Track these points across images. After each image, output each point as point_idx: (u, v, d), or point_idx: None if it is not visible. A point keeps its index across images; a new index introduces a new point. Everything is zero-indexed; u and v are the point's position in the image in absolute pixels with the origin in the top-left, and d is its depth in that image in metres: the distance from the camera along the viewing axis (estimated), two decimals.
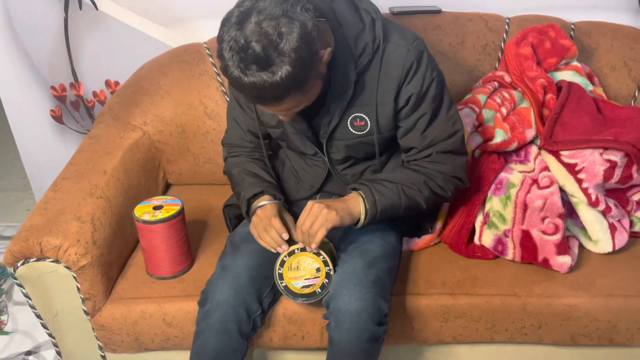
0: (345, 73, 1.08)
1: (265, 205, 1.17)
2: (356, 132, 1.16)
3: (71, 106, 1.86)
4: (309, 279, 1.12)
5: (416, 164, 1.18)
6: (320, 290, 1.13)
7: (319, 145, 1.20)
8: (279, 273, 1.13)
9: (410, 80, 1.11)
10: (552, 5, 1.61)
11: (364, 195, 1.11)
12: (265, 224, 1.13)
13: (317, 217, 1.07)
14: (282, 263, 1.13)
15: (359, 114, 1.14)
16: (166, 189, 1.64)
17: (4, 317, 1.76)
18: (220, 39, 0.94)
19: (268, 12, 0.91)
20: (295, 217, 1.21)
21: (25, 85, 1.81)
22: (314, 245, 1.08)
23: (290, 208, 1.29)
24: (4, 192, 2.42)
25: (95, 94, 1.84)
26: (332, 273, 1.12)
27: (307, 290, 1.13)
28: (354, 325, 1.07)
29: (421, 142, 1.16)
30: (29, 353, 1.64)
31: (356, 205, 1.11)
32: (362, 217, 1.11)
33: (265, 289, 1.17)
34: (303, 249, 1.12)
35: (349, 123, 1.15)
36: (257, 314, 1.15)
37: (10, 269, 1.17)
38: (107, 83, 1.81)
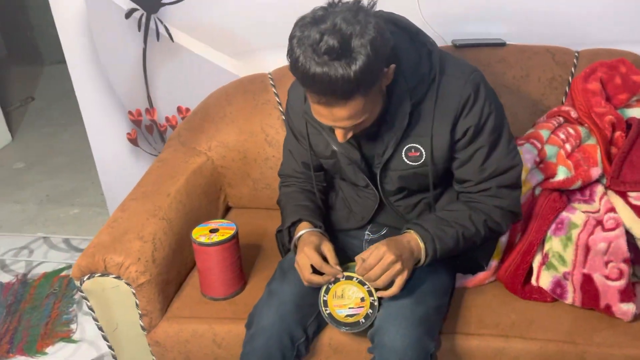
0: (400, 103, 1.09)
1: (302, 235, 1.18)
2: (410, 163, 1.16)
3: (146, 130, 1.98)
4: (353, 307, 1.12)
5: (471, 198, 1.17)
6: (364, 321, 1.12)
7: (371, 177, 1.21)
8: (323, 300, 1.14)
9: (468, 113, 1.10)
10: (624, 39, 1.55)
11: (425, 245, 1.12)
12: (302, 264, 1.13)
13: (387, 271, 1.07)
14: (327, 290, 1.13)
15: (414, 145, 1.14)
16: (226, 211, 1.70)
17: (73, 326, 1.87)
18: (291, 36, 0.95)
19: (343, 16, 0.93)
20: (344, 246, 1.22)
21: (106, 109, 1.96)
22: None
23: (339, 236, 1.31)
24: (82, 207, 2.59)
25: (167, 119, 1.94)
26: (376, 304, 1.11)
27: (350, 320, 1.13)
28: None
29: (478, 175, 1.15)
30: None
31: (419, 255, 1.13)
32: (420, 264, 1.13)
33: (310, 316, 1.18)
34: (349, 277, 1.12)
35: (403, 154, 1.15)
36: (301, 342, 1.16)
37: (77, 282, 1.25)
38: (179, 109, 1.92)
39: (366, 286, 1.11)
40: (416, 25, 1.13)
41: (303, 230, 1.19)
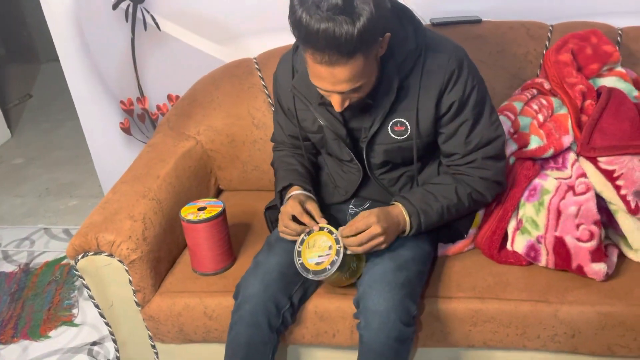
0: (388, 78, 1.13)
1: (292, 197, 1.25)
2: (396, 137, 1.20)
3: (138, 119, 2.03)
4: (322, 255, 1.16)
5: (458, 170, 1.22)
6: (329, 267, 1.15)
7: (355, 152, 1.25)
8: (298, 251, 1.19)
9: (452, 88, 1.15)
10: (598, 11, 1.59)
11: (410, 219, 1.19)
12: (283, 216, 1.22)
13: (370, 241, 1.14)
14: (302, 241, 1.19)
15: (400, 119, 1.18)
16: (218, 193, 1.75)
17: (74, 311, 1.94)
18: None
19: None
20: (329, 220, 1.27)
21: (98, 100, 2.00)
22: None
23: (325, 211, 1.35)
24: (81, 198, 2.65)
25: (158, 108, 1.99)
26: (342, 250, 1.15)
27: (318, 267, 1.16)
28: (382, 325, 1.11)
29: (464, 147, 1.19)
30: (94, 344, 1.80)
31: (404, 227, 1.20)
32: (403, 235, 1.21)
33: (294, 285, 1.23)
34: (321, 228, 1.18)
35: (389, 128, 1.19)
36: (286, 309, 1.21)
37: (72, 262, 1.31)
38: (169, 97, 1.96)
39: (334, 234, 1.17)
40: (402, 2, 1.18)
41: (293, 192, 1.26)
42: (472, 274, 1.29)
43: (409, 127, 1.18)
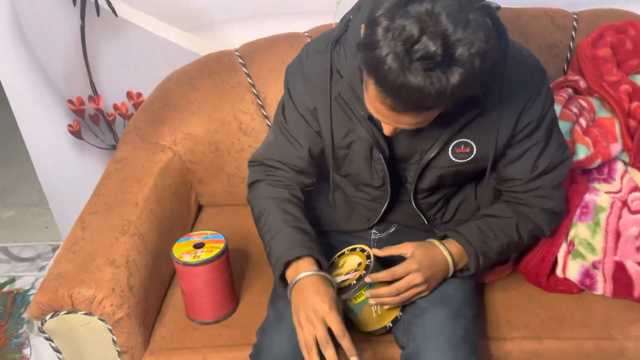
0: (472, 95, 0.90)
1: (309, 278, 0.95)
2: (456, 160, 1.00)
3: (90, 120, 1.72)
4: (349, 273, 1.02)
5: (518, 198, 1.05)
6: (355, 282, 0.98)
7: (392, 175, 1.04)
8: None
9: (532, 105, 0.97)
10: None
11: (468, 260, 1.03)
12: (318, 326, 0.91)
13: (409, 290, 0.98)
14: (330, 263, 1.06)
15: (466, 139, 0.98)
16: (198, 211, 1.50)
17: (25, 351, 1.64)
18: (374, 22, 0.74)
19: (446, 8, 0.72)
20: (344, 244, 1.08)
21: (40, 99, 1.69)
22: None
23: (336, 237, 1.16)
24: (18, 207, 2.29)
25: (116, 107, 1.70)
26: (371, 265, 1.00)
27: (343, 284, 1.00)
28: None
29: (529, 173, 1.02)
30: None
31: (453, 269, 1.02)
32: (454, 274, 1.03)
33: None
34: (352, 250, 1.05)
35: (450, 149, 0.99)
36: None
37: (37, 323, 1.03)
38: (129, 95, 1.67)
39: (366, 252, 1.02)
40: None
41: (310, 271, 0.95)
42: (520, 307, 1.14)
43: (474, 149, 0.98)
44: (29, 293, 1.85)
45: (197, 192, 1.48)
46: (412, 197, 1.07)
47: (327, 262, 1.02)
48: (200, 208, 1.52)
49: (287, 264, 0.98)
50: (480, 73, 0.75)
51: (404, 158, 1.03)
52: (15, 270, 1.95)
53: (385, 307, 1.01)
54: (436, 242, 1.02)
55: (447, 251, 1.01)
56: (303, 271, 0.95)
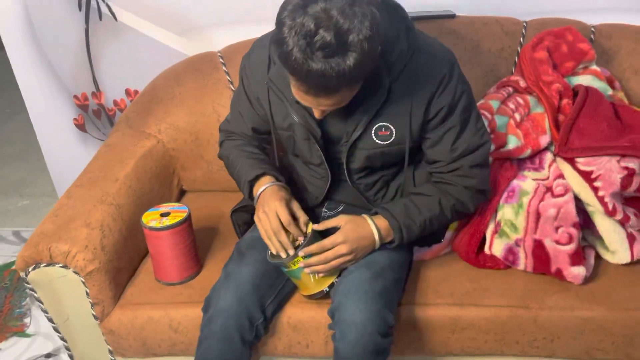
0: (377, 80, 1.06)
1: (268, 188, 1.15)
2: (379, 142, 1.14)
3: (93, 115, 1.91)
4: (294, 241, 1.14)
5: (442, 178, 1.17)
6: (295, 251, 1.11)
7: (326, 156, 1.19)
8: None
9: (442, 92, 1.09)
10: (571, 8, 1.57)
11: (393, 233, 1.14)
12: (271, 217, 1.11)
13: (338, 259, 1.10)
14: None
15: (385, 123, 1.11)
16: (181, 195, 1.66)
17: (26, 320, 1.81)
18: (280, 23, 0.89)
19: (338, 4, 0.87)
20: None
21: (49, 95, 1.87)
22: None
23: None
24: (32, 197, 2.49)
25: (115, 103, 1.88)
26: (308, 236, 1.12)
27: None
28: (359, 337, 1.06)
29: (449, 154, 1.14)
30: (48, 355, 1.68)
31: (381, 241, 1.15)
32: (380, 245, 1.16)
33: (268, 297, 1.17)
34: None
35: (373, 132, 1.13)
36: (260, 322, 1.15)
37: (22, 274, 1.20)
38: (127, 92, 1.85)
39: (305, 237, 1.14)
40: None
41: (268, 183, 1.16)
42: (450, 279, 1.25)
43: (394, 132, 1.12)
44: None
45: (179, 178, 1.64)
46: (347, 176, 1.21)
47: (282, 177, 1.20)
48: (183, 193, 1.68)
49: (251, 184, 1.19)
50: (371, 54, 0.90)
51: (335, 139, 1.18)
52: None
53: (321, 274, 1.14)
54: (366, 217, 1.15)
55: (374, 226, 1.14)
56: (263, 185, 1.17)
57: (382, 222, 1.14)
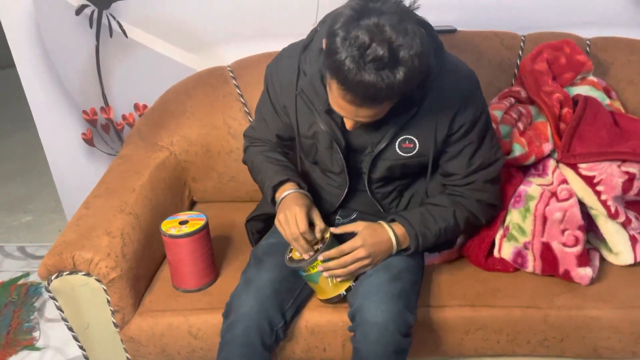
0: (411, 95, 1.09)
1: (290, 194, 1.19)
2: (402, 154, 1.18)
3: (102, 129, 1.94)
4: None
5: (456, 191, 1.22)
6: (312, 255, 1.15)
7: (347, 164, 1.22)
8: (290, 248, 1.20)
9: (466, 109, 1.14)
10: (566, 22, 1.64)
11: (409, 241, 1.18)
12: (290, 221, 1.14)
13: (356, 262, 1.14)
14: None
15: (409, 136, 1.16)
16: (191, 206, 1.69)
17: (35, 334, 1.82)
18: (333, 34, 0.92)
19: (389, 20, 0.90)
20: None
21: (58, 110, 1.90)
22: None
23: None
24: (36, 213, 2.50)
25: (124, 117, 1.91)
26: (326, 241, 1.16)
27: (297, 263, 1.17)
28: (380, 337, 1.09)
29: (465, 169, 1.19)
30: None
31: (398, 248, 1.18)
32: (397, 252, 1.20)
33: (288, 301, 1.20)
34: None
35: (397, 144, 1.17)
36: (280, 326, 1.18)
37: (44, 282, 1.22)
38: (136, 106, 1.88)
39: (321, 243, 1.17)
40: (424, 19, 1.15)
41: (291, 189, 1.20)
42: (461, 282, 1.29)
43: (417, 145, 1.17)
44: (41, 285, 2.03)
45: (190, 189, 1.67)
46: (367, 186, 1.26)
47: (305, 184, 1.23)
48: (193, 204, 1.71)
49: (274, 189, 1.22)
50: (420, 70, 0.95)
51: (359, 149, 1.22)
52: (29, 266, 2.15)
53: (338, 279, 1.18)
54: (384, 224, 1.20)
55: (392, 232, 1.18)
56: (286, 191, 1.20)
57: (399, 228, 1.19)
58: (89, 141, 1.96)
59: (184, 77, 1.73)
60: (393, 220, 1.21)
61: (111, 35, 1.76)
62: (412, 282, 1.18)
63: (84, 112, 1.90)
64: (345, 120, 1.09)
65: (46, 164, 2.01)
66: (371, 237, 1.16)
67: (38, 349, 1.76)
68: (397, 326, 1.08)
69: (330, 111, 1.16)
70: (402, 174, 1.24)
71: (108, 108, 1.89)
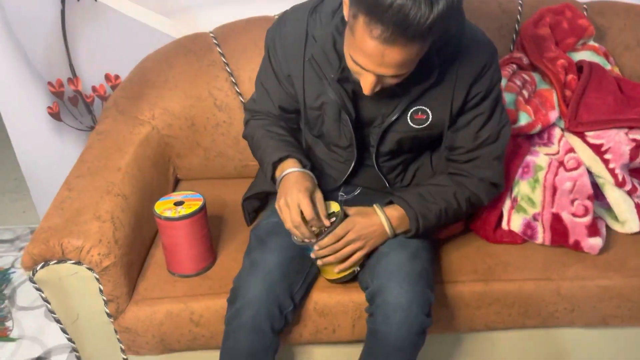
0: (426, 64, 1.02)
1: (292, 174, 1.10)
2: (414, 126, 1.11)
3: (69, 102, 1.79)
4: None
5: (458, 168, 1.16)
6: (307, 241, 1.09)
7: (358, 137, 1.15)
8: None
9: (482, 78, 1.08)
10: None
11: (409, 222, 1.12)
12: (293, 209, 1.06)
13: (347, 247, 1.09)
14: None
15: (422, 107, 1.09)
16: (176, 184, 1.59)
17: (8, 324, 1.70)
18: None
19: None
20: None
21: (21, 81, 1.74)
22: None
23: None
24: None
25: (94, 89, 1.77)
26: (338, 219, 1.10)
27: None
28: (404, 318, 1.04)
29: (471, 142, 1.13)
30: (39, 359, 1.58)
31: (395, 231, 1.12)
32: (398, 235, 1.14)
33: (297, 284, 1.14)
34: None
35: (409, 116, 1.10)
36: (289, 310, 1.11)
37: (28, 273, 1.11)
38: (107, 77, 1.75)
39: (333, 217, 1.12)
40: None
41: (292, 168, 1.11)
42: (470, 256, 1.26)
43: (430, 116, 1.10)
44: (10, 271, 1.90)
45: (174, 166, 1.56)
46: (374, 160, 1.19)
47: (308, 161, 1.14)
48: (177, 182, 1.61)
49: (274, 166, 1.13)
50: (455, 13, 0.86)
51: (368, 122, 1.14)
52: None
53: (342, 265, 1.12)
54: (376, 207, 1.13)
55: (384, 216, 1.11)
56: (286, 169, 1.11)
57: (394, 211, 1.12)
58: (55, 115, 1.81)
59: (159, 45, 1.61)
60: (391, 203, 1.15)
61: None
62: (430, 259, 1.14)
63: (50, 83, 1.75)
64: (363, 81, 0.98)
65: (4, 139, 1.84)
66: (362, 219, 1.11)
67: (13, 339, 1.65)
68: (421, 306, 1.04)
69: (342, 80, 1.08)
70: (411, 147, 1.18)
71: (76, 79, 1.75)
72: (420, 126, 1.12)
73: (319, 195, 1.11)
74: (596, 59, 1.42)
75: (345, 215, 1.12)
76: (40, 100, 1.78)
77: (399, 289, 1.04)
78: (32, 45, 1.68)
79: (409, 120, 1.11)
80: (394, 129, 1.13)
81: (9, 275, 1.88)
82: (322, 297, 1.18)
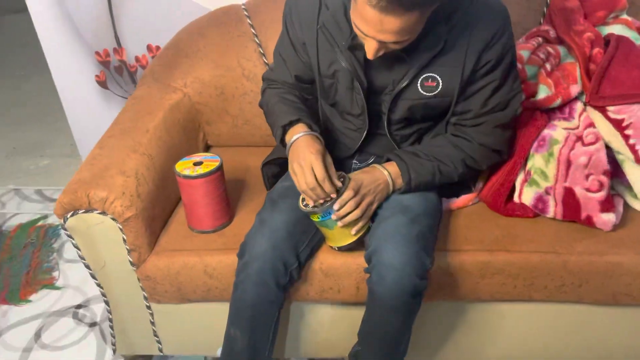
0: (434, 30, 1.04)
1: (302, 137, 1.13)
2: (424, 93, 1.13)
3: (115, 71, 1.91)
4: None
5: (460, 131, 1.17)
6: (319, 206, 1.12)
7: (367, 106, 1.18)
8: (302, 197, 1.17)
9: (494, 45, 1.09)
10: None
11: (401, 174, 1.16)
12: (307, 171, 1.10)
13: (360, 206, 1.13)
14: None
15: (432, 74, 1.11)
16: (206, 150, 1.67)
17: (55, 274, 1.85)
18: None
19: None
20: None
21: (71, 51, 1.87)
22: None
23: None
24: (53, 157, 2.52)
25: (137, 59, 1.87)
26: (344, 188, 1.13)
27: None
28: (397, 278, 1.08)
29: (480, 108, 1.14)
30: (79, 307, 1.73)
31: (394, 184, 1.16)
32: (394, 189, 1.18)
33: (302, 243, 1.19)
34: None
35: (419, 83, 1.12)
36: (294, 267, 1.17)
37: (61, 221, 1.23)
38: (149, 48, 1.84)
39: (341, 178, 1.15)
40: None
41: (302, 132, 1.14)
42: (479, 226, 1.27)
43: (440, 83, 1.11)
44: (59, 228, 2.06)
45: (204, 132, 1.65)
46: (386, 127, 1.22)
47: (317, 127, 1.17)
48: (208, 149, 1.69)
49: (285, 129, 1.17)
50: None
51: (380, 89, 1.17)
52: (47, 209, 2.17)
53: (356, 226, 1.15)
54: (375, 165, 1.19)
55: (385, 169, 1.17)
56: (296, 133, 1.15)
57: (391, 167, 1.18)
58: (102, 83, 1.93)
59: (198, 17, 1.68)
60: (388, 160, 1.20)
61: None
62: (430, 226, 1.16)
63: (97, 53, 1.87)
64: (367, 46, 1.01)
65: (61, 108, 1.99)
66: (366, 175, 1.16)
67: (58, 288, 1.80)
68: (414, 268, 1.07)
69: (353, 47, 1.11)
70: (423, 115, 1.20)
71: (121, 49, 1.86)
72: (431, 93, 1.13)
73: (329, 159, 1.15)
74: (627, 33, 1.37)
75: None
76: (89, 69, 1.90)
77: (393, 251, 1.07)
78: (81, 17, 1.80)
79: (419, 87, 1.13)
80: (404, 97, 1.15)
81: (59, 230, 2.04)
82: (327, 258, 1.23)
